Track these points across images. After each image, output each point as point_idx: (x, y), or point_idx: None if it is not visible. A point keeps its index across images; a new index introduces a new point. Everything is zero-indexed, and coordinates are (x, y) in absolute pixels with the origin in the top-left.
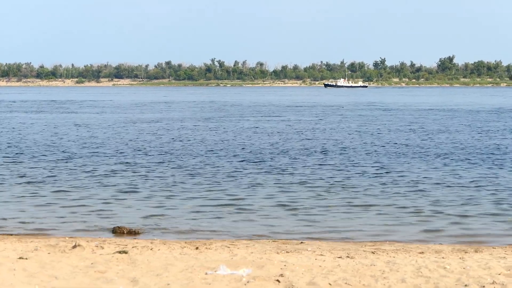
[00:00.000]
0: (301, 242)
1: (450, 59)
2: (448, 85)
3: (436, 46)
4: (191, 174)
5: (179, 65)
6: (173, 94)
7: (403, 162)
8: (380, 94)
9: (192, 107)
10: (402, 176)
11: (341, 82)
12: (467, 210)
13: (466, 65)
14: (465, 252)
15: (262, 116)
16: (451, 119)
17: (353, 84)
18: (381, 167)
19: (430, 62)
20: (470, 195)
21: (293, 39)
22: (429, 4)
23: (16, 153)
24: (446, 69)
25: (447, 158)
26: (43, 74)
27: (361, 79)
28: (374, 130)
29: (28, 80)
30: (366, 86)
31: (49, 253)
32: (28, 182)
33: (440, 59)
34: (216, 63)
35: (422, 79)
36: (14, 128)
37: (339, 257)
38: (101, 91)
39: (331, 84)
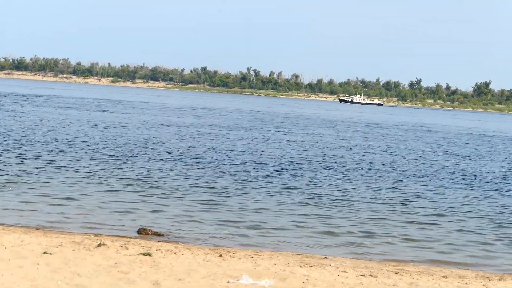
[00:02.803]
0: (325, 257)
1: (487, 84)
2: (482, 110)
3: (473, 70)
4: (222, 183)
5: (215, 72)
6: (223, 102)
7: (433, 184)
8: (393, 113)
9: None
10: (428, 198)
11: (356, 98)
12: (494, 238)
13: (502, 91)
14: (489, 280)
15: (291, 128)
16: (455, 141)
17: (368, 101)
18: (409, 186)
19: (466, 86)
20: (499, 223)
21: (331, 54)
22: (468, 29)
23: (50, 150)
24: (482, 94)
25: (476, 183)
26: (79, 71)
27: (377, 97)
28: (394, 150)
29: (64, 76)
30: (382, 104)
31: (73, 249)
32: (60, 180)
33: (476, 83)
34: (252, 72)
35: (457, 103)
36: (53, 125)
37: (362, 275)
38: (149, 93)
39: (347, 100)
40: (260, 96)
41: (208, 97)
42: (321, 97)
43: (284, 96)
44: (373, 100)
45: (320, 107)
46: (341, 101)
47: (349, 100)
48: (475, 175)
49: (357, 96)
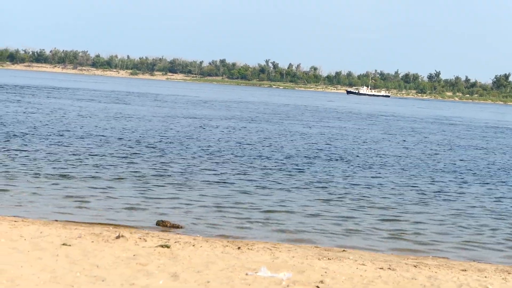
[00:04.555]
0: (343, 250)
1: (506, 76)
2: (502, 102)
3: (493, 63)
4: (241, 176)
5: (233, 64)
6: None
7: (452, 178)
8: (399, 105)
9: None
10: (448, 192)
11: (363, 90)
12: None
13: None
14: (508, 273)
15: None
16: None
17: (375, 93)
18: (429, 181)
19: (485, 78)
20: None
21: (350, 46)
22: (487, 22)
23: (70, 143)
24: (501, 86)
25: (497, 177)
26: (98, 63)
27: (384, 89)
28: (409, 143)
29: (84, 68)
30: (389, 96)
31: (92, 241)
32: (79, 172)
33: (496, 76)
34: (270, 65)
35: (476, 95)
36: (73, 117)
37: (380, 268)
38: (169, 85)
39: (353, 91)
40: (278, 89)
41: (228, 89)
42: (340, 89)
43: (302, 89)
44: (380, 91)
45: (324, 98)
46: (348, 92)
47: (356, 91)
48: (495, 169)
49: (364, 87)
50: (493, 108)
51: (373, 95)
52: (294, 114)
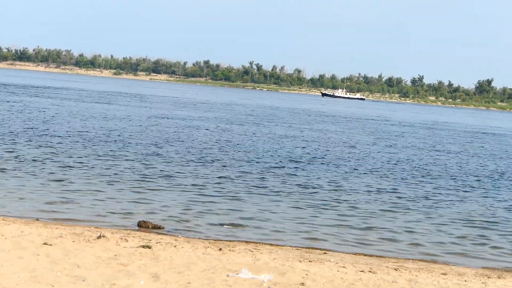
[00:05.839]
0: (325, 252)
1: (489, 82)
2: (484, 107)
3: (476, 68)
4: (223, 178)
5: (217, 65)
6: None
7: (433, 182)
8: (375, 108)
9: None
10: (429, 195)
11: (338, 92)
12: (494, 235)
13: (504, 90)
14: (488, 277)
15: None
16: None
17: (350, 96)
18: (409, 183)
19: (468, 83)
20: (499, 220)
21: (334, 49)
22: (471, 27)
23: (50, 142)
24: (484, 91)
25: (480, 180)
26: (81, 62)
27: (359, 92)
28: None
29: (67, 67)
30: (363, 99)
31: (73, 241)
32: (61, 169)
33: (479, 81)
34: (254, 66)
35: (459, 100)
36: (59, 117)
37: (361, 271)
38: (155, 86)
39: (329, 94)
40: (262, 91)
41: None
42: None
43: (285, 91)
44: (355, 94)
45: (294, 101)
46: (323, 95)
47: (331, 94)
48: (476, 175)
49: (339, 90)
50: (470, 113)
51: (348, 98)
52: (267, 116)
